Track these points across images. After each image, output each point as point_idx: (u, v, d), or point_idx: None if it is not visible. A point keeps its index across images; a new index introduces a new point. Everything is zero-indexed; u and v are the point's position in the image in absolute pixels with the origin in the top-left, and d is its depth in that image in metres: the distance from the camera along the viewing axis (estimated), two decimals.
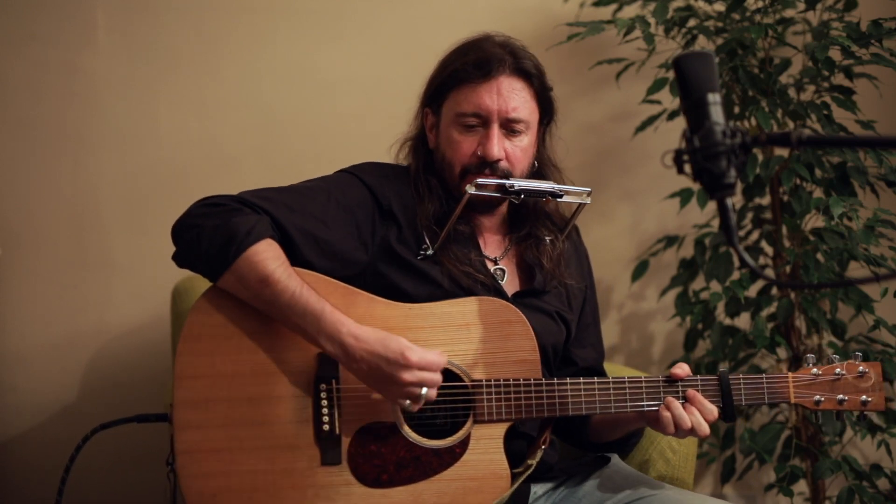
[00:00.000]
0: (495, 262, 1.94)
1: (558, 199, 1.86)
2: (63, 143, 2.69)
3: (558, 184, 1.88)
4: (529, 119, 1.89)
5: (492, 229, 1.97)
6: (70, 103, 2.69)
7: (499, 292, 1.88)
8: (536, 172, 1.95)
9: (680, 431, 1.77)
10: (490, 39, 1.91)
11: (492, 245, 1.96)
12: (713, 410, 1.77)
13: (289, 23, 2.77)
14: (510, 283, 1.94)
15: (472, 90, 1.85)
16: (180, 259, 1.75)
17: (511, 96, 1.85)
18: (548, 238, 1.96)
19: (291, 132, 2.78)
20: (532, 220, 1.96)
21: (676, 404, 1.76)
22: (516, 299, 1.89)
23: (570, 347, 2.00)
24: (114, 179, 2.71)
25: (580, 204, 1.90)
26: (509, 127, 1.86)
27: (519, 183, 1.82)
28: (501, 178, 1.84)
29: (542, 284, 1.93)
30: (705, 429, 1.76)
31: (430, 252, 1.85)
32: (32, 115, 2.68)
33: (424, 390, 1.67)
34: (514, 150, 1.87)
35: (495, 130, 1.85)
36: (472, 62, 1.86)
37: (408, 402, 1.68)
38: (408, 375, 1.66)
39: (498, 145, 1.85)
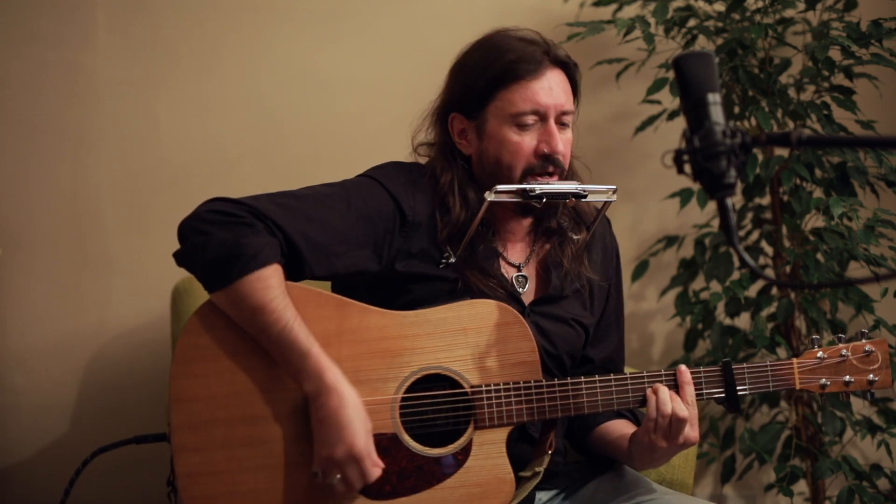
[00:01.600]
0: (519, 268, 1.89)
1: (582, 200, 1.81)
2: (63, 143, 2.69)
3: (579, 181, 1.84)
4: (574, 109, 1.86)
5: (516, 233, 1.91)
6: (70, 103, 2.69)
7: (519, 303, 1.84)
8: None
9: (659, 426, 1.72)
10: (512, 35, 1.86)
11: (516, 250, 1.91)
12: (693, 405, 1.74)
13: (289, 23, 2.77)
14: (532, 291, 1.89)
15: (525, 88, 1.80)
16: (181, 260, 1.71)
17: (560, 89, 1.82)
18: (574, 236, 1.91)
19: (291, 132, 2.78)
20: (556, 219, 1.90)
21: (662, 388, 1.74)
22: (533, 308, 1.86)
23: (588, 346, 1.95)
24: (114, 179, 2.71)
25: (606, 202, 1.85)
26: (560, 120, 1.82)
27: (540, 186, 1.78)
28: (556, 174, 1.81)
29: (559, 289, 1.88)
30: (683, 412, 1.71)
31: (452, 260, 1.81)
32: (32, 115, 2.68)
33: (337, 479, 1.64)
34: (565, 144, 1.83)
35: (553, 125, 1.81)
36: (517, 60, 1.81)
37: (317, 473, 1.65)
38: (341, 454, 1.63)
39: (560, 139, 1.81)
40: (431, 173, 1.88)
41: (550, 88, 1.80)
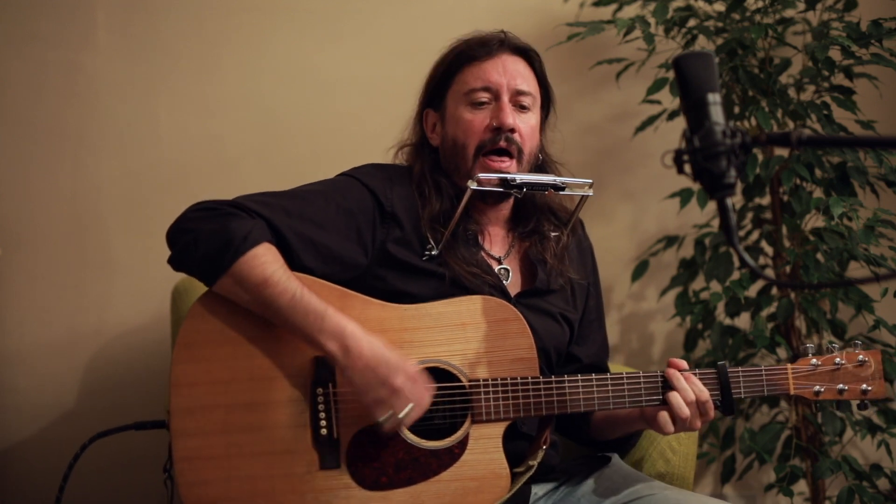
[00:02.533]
0: (499, 261, 1.93)
1: (560, 192, 1.87)
2: (63, 143, 2.69)
3: (560, 177, 1.89)
4: (535, 94, 1.92)
5: (496, 227, 1.96)
6: (70, 103, 2.69)
7: (503, 293, 1.87)
8: (539, 166, 1.95)
9: (679, 423, 1.76)
10: (477, 33, 1.95)
11: (496, 243, 1.95)
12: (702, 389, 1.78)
13: (289, 23, 2.77)
14: (515, 283, 1.92)
15: (479, 67, 1.89)
16: (176, 263, 1.74)
17: (515, 71, 1.89)
18: (553, 233, 1.95)
19: (291, 132, 2.78)
20: (536, 216, 1.95)
21: (675, 395, 1.76)
22: (519, 300, 1.88)
23: (574, 344, 1.99)
24: (114, 179, 2.71)
25: (583, 196, 1.89)
26: (517, 101, 1.88)
27: (520, 177, 1.83)
28: (512, 157, 1.86)
29: (545, 283, 1.91)
30: (706, 394, 1.76)
31: (434, 252, 1.84)
32: (32, 115, 2.68)
33: (411, 406, 1.67)
34: (524, 126, 1.88)
35: (506, 101, 1.87)
36: (472, 45, 1.91)
37: (390, 412, 1.67)
38: (401, 381, 1.66)
39: (511, 115, 1.86)
40: (408, 170, 1.94)
41: (504, 68, 1.88)
